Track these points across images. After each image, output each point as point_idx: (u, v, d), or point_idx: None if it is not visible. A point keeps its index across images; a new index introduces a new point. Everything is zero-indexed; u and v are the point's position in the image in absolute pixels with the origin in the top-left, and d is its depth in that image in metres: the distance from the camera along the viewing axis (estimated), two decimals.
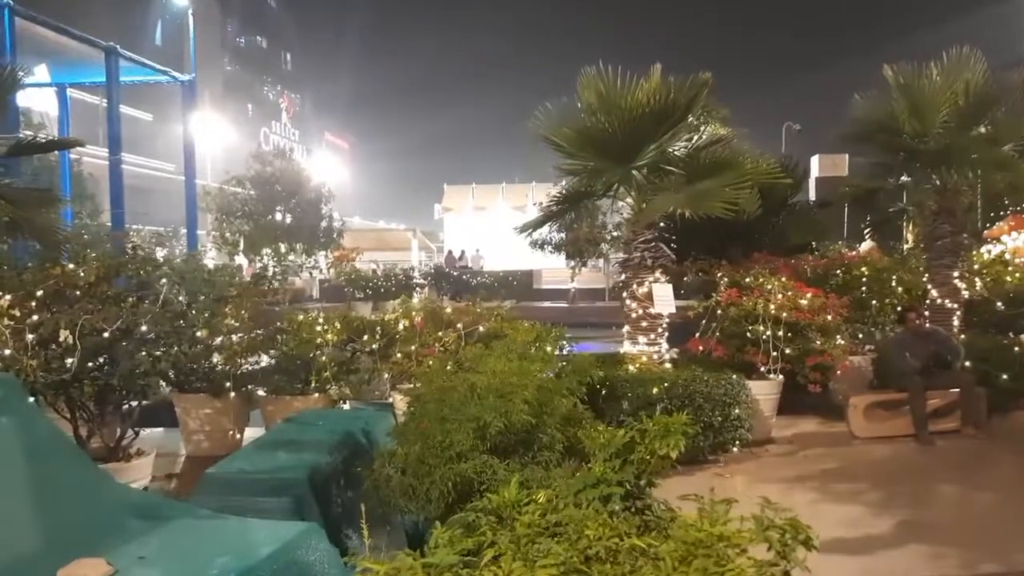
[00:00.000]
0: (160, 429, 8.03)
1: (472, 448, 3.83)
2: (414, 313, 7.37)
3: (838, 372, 8.70)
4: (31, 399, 3.60)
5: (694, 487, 6.57)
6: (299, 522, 3.06)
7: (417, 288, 28.18)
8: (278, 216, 25.78)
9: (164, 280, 4.87)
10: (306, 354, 7.02)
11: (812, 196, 20.31)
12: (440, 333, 7.28)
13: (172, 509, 3.08)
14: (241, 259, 24.82)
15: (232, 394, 6.94)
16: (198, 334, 4.98)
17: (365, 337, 7.15)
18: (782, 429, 8.67)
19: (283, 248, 24.97)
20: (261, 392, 7.26)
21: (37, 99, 21.64)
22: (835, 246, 15.02)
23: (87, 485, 2.81)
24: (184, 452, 7.41)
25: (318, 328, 7.06)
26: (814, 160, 23.87)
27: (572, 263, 29.34)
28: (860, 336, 10.10)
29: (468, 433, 3.80)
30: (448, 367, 4.77)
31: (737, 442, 7.49)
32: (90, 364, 4.61)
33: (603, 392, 7.20)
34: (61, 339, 4.16)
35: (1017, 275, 11.22)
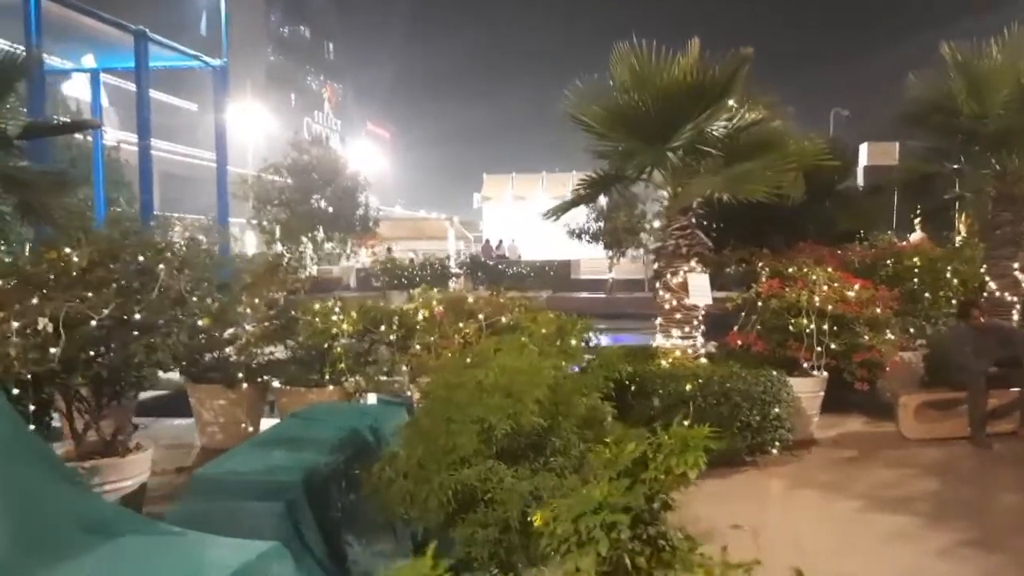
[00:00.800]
0: (177, 420, 7.85)
1: (476, 453, 3.47)
2: (435, 303, 7.03)
3: (887, 369, 8.17)
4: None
5: (729, 491, 6.18)
6: (265, 542, 2.73)
7: (454, 277, 27.96)
8: (315, 204, 25.67)
9: (162, 265, 4.59)
10: (320, 344, 6.73)
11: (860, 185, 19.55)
12: (461, 324, 6.93)
13: (129, 523, 2.77)
14: (278, 247, 24.84)
15: (245, 385, 6.69)
16: (199, 323, 4.70)
17: (382, 328, 6.84)
18: (826, 429, 8.18)
19: (320, 236, 24.87)
20: (277, 384, 7.01)
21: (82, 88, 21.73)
22: (884, 236, 14.34)
23: (38, 493, 2.51)
24: (199, 444, 7.19)
25: (333, 318, 6.77)
26: (863, 148, 22.97)
27: (610, 253, 28.89)
28: (911, 331, 9.52)
29: (472, 436, 3.44)
30: (466, 360, 4.39)
31: (777, 443, 7.03)
32: (83, 354, 4.35)
33: (632, 388, 6.80)
34: (40, 327, 3.91)
35: None
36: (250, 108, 45.30)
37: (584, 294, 28.58)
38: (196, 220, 20.03)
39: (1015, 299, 9.28)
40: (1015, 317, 9.21)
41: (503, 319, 6.91)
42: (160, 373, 5.07)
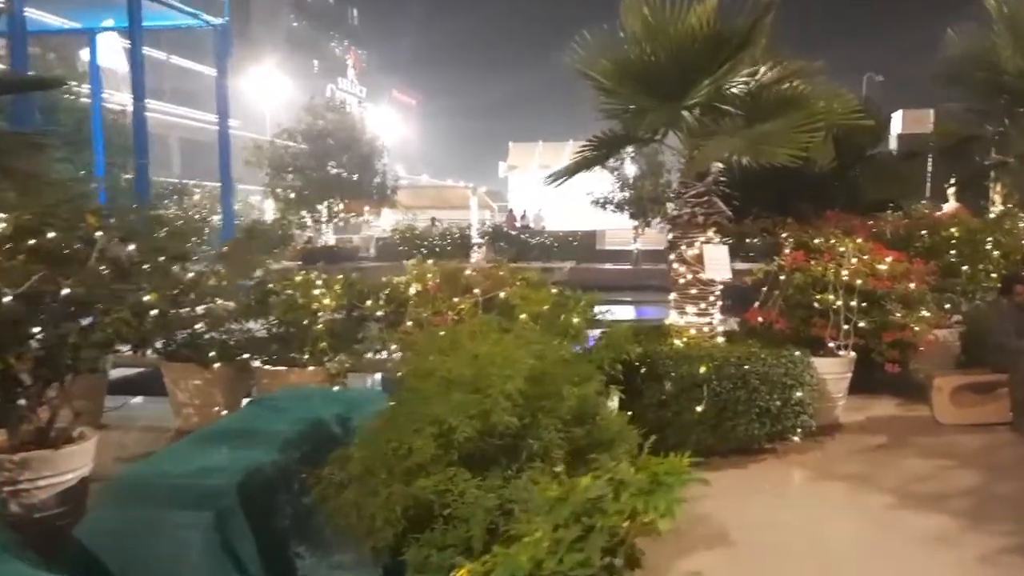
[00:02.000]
0: (158, 399, 7.41)
1: (435, 459, 2.92)
2: (429, 276, 6.48)
3: (921, 349, 7.52)
4: None
5: (745, 483, 5.60)
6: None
7: (475, 247, 27.45)
8: (331, 171, 25.13)
9: (100, 233, 4.07)
10: (299, 321, 6.22)
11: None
12: (457, 299, 6.38)
13: None
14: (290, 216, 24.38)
15: (218, 364, 6.20)
16: (145, 298, 4.19)
17: (369, 303, 6.31)
18: (853, 413, 7.57)
19: (337, 205, 24.36)
20: (258, 363, 6.52)
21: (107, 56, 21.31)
22: (917, 205, 13.55)
23: None
24: (175, 426, 6.74)
25: (315, 291, 6.24)
26: (897, 115, 22.02)
27: (636, 223, 28.24)
28: (948, 307, 8.82)
29: (428, 440, 2.89)
30: (440, 345, 3.83)
31: (799, 430, 6.45)
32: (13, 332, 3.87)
33: (642, 371, 6.23)
34: None
35: None
36: (269, 73, 44.70)
37: (609, 265, 27.97)
38: (217, 188, 19.62)
39: None
40: None
41: (501, 294, 6.33)
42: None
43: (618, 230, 31.40)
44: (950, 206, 13.29)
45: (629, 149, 15.12)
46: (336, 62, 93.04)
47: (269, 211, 27.89)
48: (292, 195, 24.55)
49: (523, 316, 5.73)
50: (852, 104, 6.88)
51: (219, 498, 3.19)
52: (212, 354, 6.17)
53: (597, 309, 7.53)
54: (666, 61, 6.31)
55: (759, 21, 6.21)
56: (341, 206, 25.77)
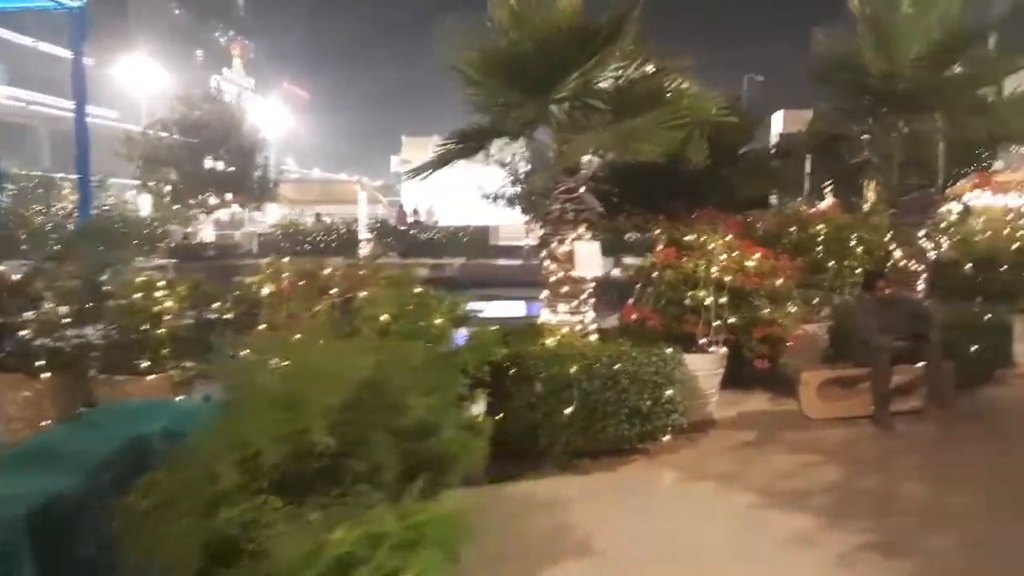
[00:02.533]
0: None
1: (241, 487, 2.59)
2: (284, 275, 6.08)
3: (788, 344, 7.62)
4: None
5: (613, 486, 5.47)
6: None
7: (363, 244, 26.82)
8: (208, 164, 24.02)
9: None
10: (138, 326, 5.72)
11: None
12: (314, 301, 6.01)
13: None
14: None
15: (48, 374, 5.64)
16: None
17: (216, 305, 5.87)
18: (726, 408, 7.60)
19: (211, 200, 23.29)
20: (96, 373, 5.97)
21: None
22: (793, 203, 13.95)
23: None
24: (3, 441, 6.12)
25: (157, 294, 5.75)
26: (778, 116, 22.81)
27: (527, 218, 28.14)
28: (815, 302, 9.03)
29: (230, 465, 2.56)
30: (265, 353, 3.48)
31: (669, 429, 6.38)
32: None
33: (512, 372, 6.03)
34: None
35: (988, 235, 10.23)
36: (146, 63, 42.54)
37: (502, 261, 27.79)
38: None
39: (921, 268, 8.87)
40: (921, 287, 8.80)
41: (362, 294, 6.00)
42: None
43: (513, 225, 31.23)
44: (826, 203, 13.72)
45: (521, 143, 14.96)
46: (222, 53, 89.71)
47: (146, 206, 26.51)
48: (168, 189, 23.31)
49: (384, 317, 5.43)
50: (718, 102, 6.87)
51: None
52: (40, 363, 5.60)
53: (475, 307, 7.27)
54: (533, 52, 6.11)
55: (627, 15, 6.09)
56: (217, 201, 24.67)
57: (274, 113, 57.72)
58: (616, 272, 8.08)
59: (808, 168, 12.77)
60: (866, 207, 12.93)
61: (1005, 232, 11.42)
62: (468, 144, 6.88)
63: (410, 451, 3.20)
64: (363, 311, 4.65)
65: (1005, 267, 10.21)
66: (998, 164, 15.82)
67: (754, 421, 7.45)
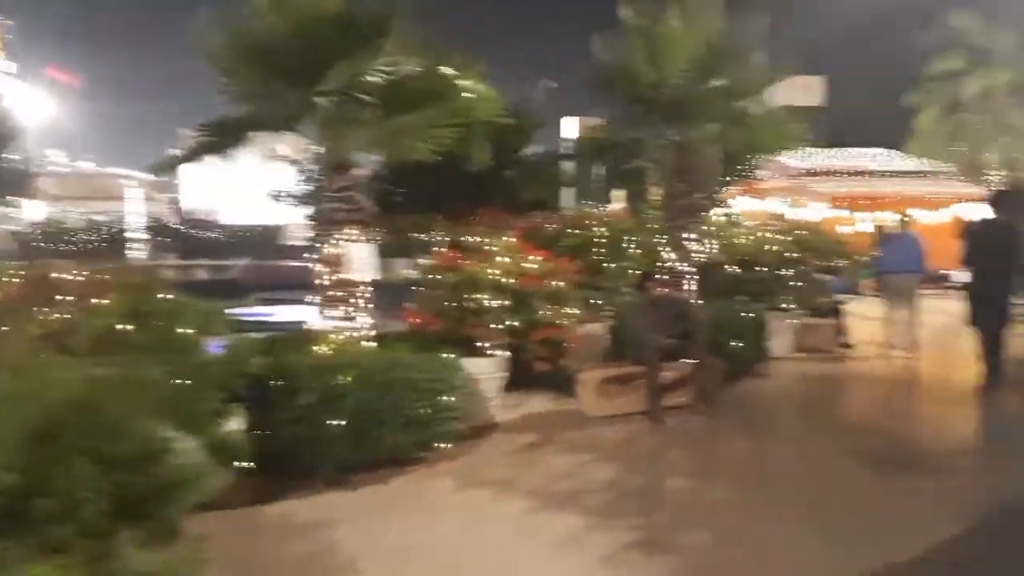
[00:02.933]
0: None
1: None
2: (8, 281, 5.29)
3: (568, 345, 7.72)
4: None
5: (385, 500, 5.17)
6: None
7: (134, 245, 24.76)
8: None
9: None
10: None
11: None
12: (48, 310, 5.26)
13: None
14: None
15: None
16: None
17: None
18: (509, 411, 7.59)
19: None
20: None
21: None
22: (579, 206, 14.32)
23: None
24: None
25: None
26: (566, 120, 23.40)
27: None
28: (595, 303, 9.25)
29: None
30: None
31: (449, 435, 6.20)
32: None
33: (276, 384, 5.60)
34: None
35: (750, 238, 10.98)
36: None
37: (291, 262, 26.65)
38: None
39: (689, 269, 9.31)
40: (690, 287, 9.23)
41: (104, 301, 5.33)
42: None
43: (304, 224, 30.15)
44: (614, 207, 14.20)
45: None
46: None
47: None
48: None
49: (121, 327, 4.84)
50: (496, 103, 6.78)
51: None
52: None
53: (252, 312, 6.71)
54: (293, 39, 5.69)
55: (398, 5, 5.82)
56: None
57: (35, 100, 52.22)
58: (403, 274, 7.81)
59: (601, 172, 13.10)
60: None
61: (762, 236, 12.31)
62: (222, 138, 6.30)
63: (126, 482, 2.77)
64: (91, 322, 4.05)
65: (763, 268, 10.98)
66: (765, 173, 17.01)
67: (535, 423, 7.48)
